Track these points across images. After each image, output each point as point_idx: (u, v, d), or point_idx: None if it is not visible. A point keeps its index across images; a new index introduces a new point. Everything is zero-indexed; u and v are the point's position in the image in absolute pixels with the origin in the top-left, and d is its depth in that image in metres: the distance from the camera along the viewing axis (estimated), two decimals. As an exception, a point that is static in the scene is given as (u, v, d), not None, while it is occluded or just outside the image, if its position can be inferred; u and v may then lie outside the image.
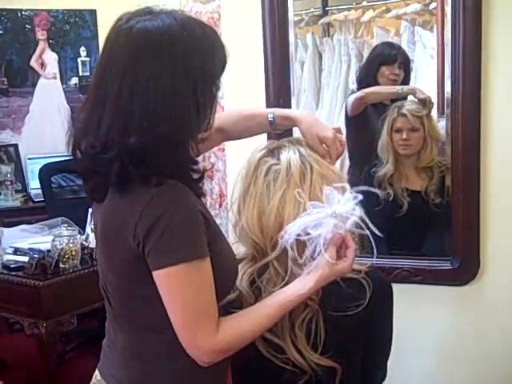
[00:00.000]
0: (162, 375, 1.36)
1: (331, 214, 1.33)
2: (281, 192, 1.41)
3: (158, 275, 1.24)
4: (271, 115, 1.58)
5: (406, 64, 2.65)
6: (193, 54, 1.25)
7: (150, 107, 1.22)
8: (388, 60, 2.63)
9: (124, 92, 1.22)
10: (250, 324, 1.32)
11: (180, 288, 1.25)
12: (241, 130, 1.65)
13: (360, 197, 1.36)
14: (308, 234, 1.33)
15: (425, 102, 2.50)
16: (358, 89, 2.71)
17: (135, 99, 1.22)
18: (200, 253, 1.25)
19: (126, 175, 1.23)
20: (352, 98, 2.66)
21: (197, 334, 1.26)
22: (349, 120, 2.66)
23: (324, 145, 1.49)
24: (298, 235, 1.34)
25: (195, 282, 1.25)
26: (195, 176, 1.32)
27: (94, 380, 1.46)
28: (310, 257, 1.35)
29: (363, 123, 2.66)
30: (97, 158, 1.25)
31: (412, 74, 2.72)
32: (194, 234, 1.25)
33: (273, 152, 1.48)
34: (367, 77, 2.68)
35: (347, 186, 1.41)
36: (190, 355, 1.29)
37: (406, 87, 2.58)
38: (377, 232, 1.37)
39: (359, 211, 1.36)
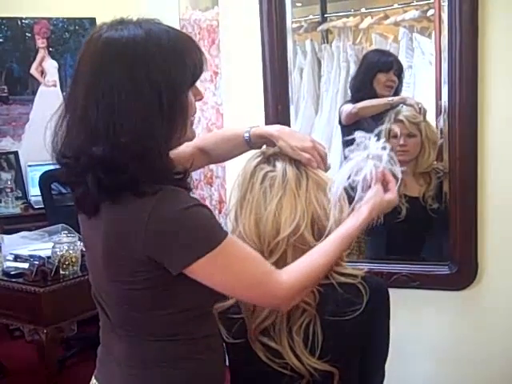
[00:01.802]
0: (169, 381, 1.36)
1: (367, 156, 1.42)
2: (277, 198, 1.43)
3: (198, 267, 1.24)
4: (247, 134, 1.57)
5: (399, 71, 2.67)
6: (156, 62, 1.23)
7: (115, 116, 1.21)
8: (385, 67, 2.65)
9: (90, 101, 1.22)
10: (313, 261, 1.35)
11: (229, 264, 1.27)
12: (222, 152, 1.65)
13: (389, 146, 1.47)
14: (353, 181, 1.42)
15: (417, 109, 2.51)
16: (353, 97, 2.73)
17: (100, 108, 1.22)
18: (225, 231, 1.29)
19: (102, 185, 1.23)
20: (345, 111, 2.67)
21: (267, 289, 1.30)
22: (343, 127, 2.68)
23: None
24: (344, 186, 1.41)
25: (237, 252, 1.29)
26: (178, 177, 1.32)
27: None
28: (359, 200, 1.43)
29: (358, 130, 2.66)
30: (70, 167, 1.27)
31: (411, 80, 2.73)
32: (212, 219, 1.28)
33: (268, 159, 1.49)
34: (364, 84, 2.69)
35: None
36: (275, 308, 1.38)
37: (396, 98, 2.59)
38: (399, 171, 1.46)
39: (388, 149, 1.45)
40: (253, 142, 1.57)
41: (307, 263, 1.35)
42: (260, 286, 1.30)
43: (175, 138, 1.30)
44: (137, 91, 1.22)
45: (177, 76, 1.26)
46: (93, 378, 1.47)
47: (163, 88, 1.23)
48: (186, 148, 1.50)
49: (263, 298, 1.33)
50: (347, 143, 1.56)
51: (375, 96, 2.67)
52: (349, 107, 2.66)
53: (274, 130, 1.55)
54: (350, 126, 2.65)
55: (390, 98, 2.58)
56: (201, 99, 1.36)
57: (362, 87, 2.71)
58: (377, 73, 2.65)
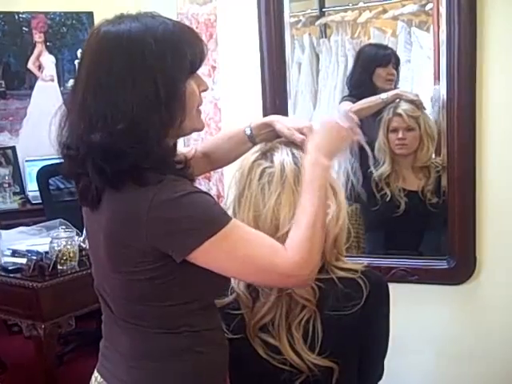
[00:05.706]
0: (172, 373, 1.37)
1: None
2: (276, 195, 1.42)
3: (203, 252, 1.25)
4: (248, 128, 1.58)
5: (397, 64, 2.66)
6: (151, 50, 1.26)
7: (111, 103, 1.25)
8: (383, 61, 2.64)
9: (89, 91, 1.27)
10: (304, 219, 1.33)
11: (234, 248, 1.28)
12: (224, 153, 1.65)
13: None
14: None
15: (415, 103, 2.51)
16: (352, 93, 2.71)
17: (98, 97, 1.26)
18: (229, 216, 1.30)
19: (103, 173, 1.25)
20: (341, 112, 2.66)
21: (276, 270, 1.29)
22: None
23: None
24: None
25: (242, 236, 1.29)
26: (180, 166, 1.33)
27: (94, 382, 1.46)
28: None
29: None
30: (72, 158, 1.30)
31: (409, 75, 2.72)
32: (215, 204, 1.29)
33: (266, 154, 1.49)
34: (363, 80, 2.68)
35: None
36: (289, 287, 1.39)
37: (390, 93, 2.58)
38: None
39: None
40: (255, 134, 1.57)
41: (300, 225, 1.33)
42: (268, 270, 1.30)
43: (175, 126, 1.31)
44: (132, 79, 1.25)
45: (173, 64, 1.28)
46: (95, 371, 1.47)
47: (159, 75, 1.26)
48: (187, 153, 1.51)
49: (275, 280, 1.33)
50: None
51: (375, 91, 2.66)
52: (345, 109, 2.65)
53: (273, 116, 1.59)
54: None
55: (384, 96, 2.57)
56: (205, 90, 1.37)
57: (361, 83, 2.70)
58: (376, 68, 2.65)
